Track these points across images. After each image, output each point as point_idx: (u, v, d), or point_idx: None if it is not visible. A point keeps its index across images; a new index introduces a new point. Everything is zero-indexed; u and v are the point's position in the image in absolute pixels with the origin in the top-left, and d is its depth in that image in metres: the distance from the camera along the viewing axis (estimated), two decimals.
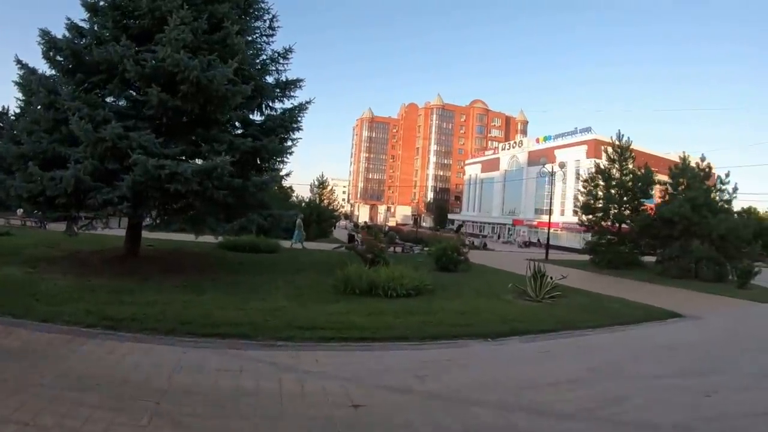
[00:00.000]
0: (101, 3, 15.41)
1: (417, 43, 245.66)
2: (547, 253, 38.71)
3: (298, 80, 17.20)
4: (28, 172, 12.64)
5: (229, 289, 12.76)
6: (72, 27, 15.40)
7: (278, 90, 16.87)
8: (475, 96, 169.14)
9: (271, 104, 17.20)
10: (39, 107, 14.41)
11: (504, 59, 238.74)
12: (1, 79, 40.15)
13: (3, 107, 54.15)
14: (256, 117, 17.18)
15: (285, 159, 16.91)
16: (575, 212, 43.41)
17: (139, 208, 13.24)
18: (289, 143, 16.57)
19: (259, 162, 16.11)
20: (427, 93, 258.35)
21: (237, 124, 16.67)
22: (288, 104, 17.30)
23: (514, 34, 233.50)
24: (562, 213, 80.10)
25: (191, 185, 12.44)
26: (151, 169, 11.94)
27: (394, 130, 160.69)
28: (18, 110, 25.05)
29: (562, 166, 75.41)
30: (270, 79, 16.97)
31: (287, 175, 16.91)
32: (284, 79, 17.24)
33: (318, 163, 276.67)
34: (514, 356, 8.85)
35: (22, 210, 34.74)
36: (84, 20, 15.67)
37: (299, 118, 16.83)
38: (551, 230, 61.88)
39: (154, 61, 13.25)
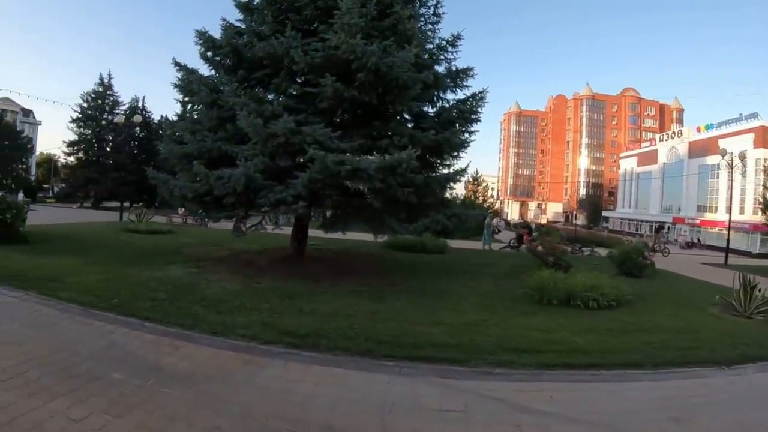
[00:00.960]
0: (255, 1, 15.35)
1: (560, 33, 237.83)
2: (726, 257, 34.35)
3: (469, 69, 15.77)
4: (193, 171, 12.25)
5: (411, 297, 11.66)
6: (227, 27, 15.13)
7: (449, 80, 15.62)
8: (624, 84, 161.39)
9: (442, 95, 15.95)
10: (201, 106, 14.16)
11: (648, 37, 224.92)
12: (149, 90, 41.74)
13: (162, 116, 57.29)
14: (428, 109, 16.00)
15: (461, 154, 15.67)
16: (762, 209, 38.77)
17: (314, 207, 12.41)
18: (466, 135, 15.25)
19: (434, 157, 14.97)
20: (575, 83, 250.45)
21: (407, 116, 15.56)
22: (461, 95, 16.05)
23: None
24: (742, 211, 70.69)
25: (374, 182, 11.36)
26: (331, 165, 10.95)
27: (543, 124, 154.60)
28: (178, 112, 25.94)
29: (742, 157, 66.85)
30: (440, 68, 15.76)
31: (464, 170, 15.50)
32: (454, 68, 15.97)
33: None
34: (760, 390, 7.13)
35: (183, 208, 36.21)
36: (239, 20, 15.61)
37: (478, 109, 15.51)
38: (716, 230, 57.01)
39: (323, 51, 12.37)
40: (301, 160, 11.99)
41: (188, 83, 14.48)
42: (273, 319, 8.42)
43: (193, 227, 30.93)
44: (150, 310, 8.65)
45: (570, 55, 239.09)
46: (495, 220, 41.22)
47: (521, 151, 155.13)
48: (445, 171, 15.30)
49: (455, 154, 15.33)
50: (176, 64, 14.81)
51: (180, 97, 15.56)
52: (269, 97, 14.07)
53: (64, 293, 9.70)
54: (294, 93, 13.75)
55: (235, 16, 15.78)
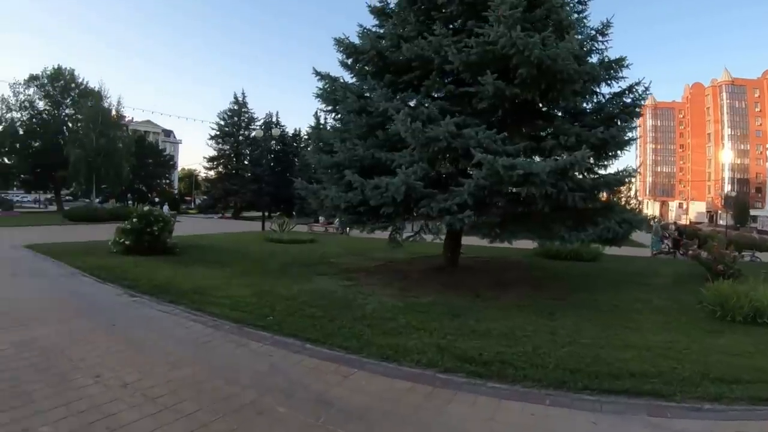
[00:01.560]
0: (392, 5, 14.80)
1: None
2: None
3: (622, 59, 14.13)
4: (345, 181, 11.71)
5: (581, 312, 10.37)
6: (365, 33, 14.50)
7: (603, 71, 14.26)
8: (764, 66, 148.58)
9: (596, 89, 14.58)
10: (348, 114, 13.63)
11: None
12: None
13: (296, 129, 58.67)
14: (585, 104, 14.59)
15: (621, 152, 14.25)
16: None
17: (480, 216, 11.43)
18: (630, 133, 13.82)
19: (597, 158, 13.65)
20: (711, 70, 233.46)
21: (558, 113, 14.30)
22: (616, 88, 14.60)
23: None
24: None
25: (545, 187, 10.24)
26: (501, 170, 9.92)
27: (680, 116, 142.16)
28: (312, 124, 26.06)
29: None
30: (593, 60, 14.42)
31: (636, 170, 13.85)
32: (607, 59, 14.52)
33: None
34: None
35: (323, 218, 36.55)
36: (375, 26, 15.11)
37: (641, 102, 14.03)
38: None
39: (477, 47, 11.36)
40: (460, 165, 11.14)
41: (332, 92, 14.06)
42: (447, 342, 7.53)
43: (333, 236, 30.84)
44: (309, 330, 8.05)
45: (701, 37, 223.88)
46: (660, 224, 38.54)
47: (659, 146, 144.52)
48: (602, 172, 13.93)
49: (615, 153, 13.99)
50: (317, 73, 14.45)
51: (323, 106, 15.10)
52: (420, 100, 13.22)
53: (215, 308, 9.48)
54: (447, 94, 12.80)
55: (369, 22, 15.38)
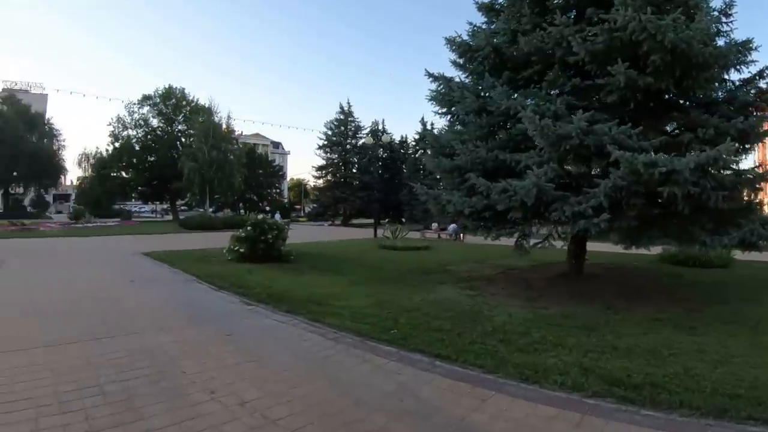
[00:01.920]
0: (499, 0, 14.10)
1: None
2: None
3: (749, 41, 12.70)
4: (467, 185, 11.08)
5: (724, 326, 8.99)
6: (476, 31, 13.89)
7: (731, 55, 12.84)
8: None
9: (726, 75, 13.07)
10: (467, 114, 12.96)
11: None
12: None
13: (403, 136, 58.57)
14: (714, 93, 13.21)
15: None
16: None
17: (615, 219, 10.39)
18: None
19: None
20: None
21: (691, 103, 13.00)
22: (746, 73, 13.13)
23: None
24: None
25: (687, 186, 9.14)
26: (641, 168, 8.93)
27: None
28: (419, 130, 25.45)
29: None
30: (720, 42, 13.03)
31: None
32: (734, 42, 13.05)
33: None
34: None
35: (436, 224, 36.06)
36: (484, 23, 14.42)
37: None
38: None
39: (603, 34, 10.44)
40: (592, 165, 10.25)
41: (447, 93, 13.48)
42: (590, 361, 6.68)
43: (447, 242, 30.16)
44: (438, 345, 7.39)
45: None
46: None
47: None
48: (738, 167, 12.54)
49: (752, 146, 12.65)
50: (430, 75, 13.86)
51: (437, 109, 14.48)
52: (543, 96, 12.36)
53: (335, 319, 9.04)
54: (571, 89, 11.83)
55: (477, 20, 14.57)
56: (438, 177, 17.49)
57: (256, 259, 16.88)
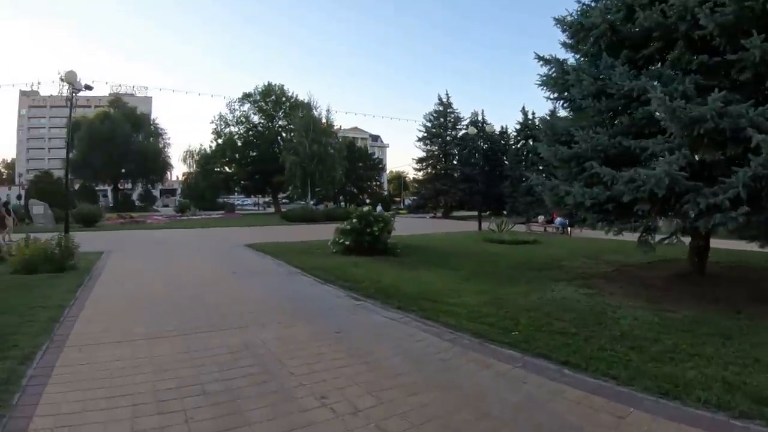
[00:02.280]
0: None
1: None
2: None
3: None
4: (588, 174, 10.29)
5: None
6: (586, 9, 13.01)
7: None
8: None
9: None
10: (584, 98, 12.05)
11: None
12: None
13: (503, 126, 57.24)
14: None
15: None
16: None
17: (753, 213, 9.20)
18: None
19: None
20: None
21: None
22: None
23: None
24: None
25: None
26: None
27: None
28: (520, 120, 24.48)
29: None
30: None
31: None
32: None
33: None
34: None
35: (542, 216, 34.91)
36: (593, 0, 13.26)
37: None
38: None
39: (732, 4, 9.27)
40: (727, 151, 9.17)
41: (560, 75, 12.64)
42: (733, 375, 5.78)
43: (554, 236, 28.93)
44: (563, 350, 6.70)
45: None
46: None
47: None
48: None
49: None
50: (540, 58, 13.10)
51: (549, 94, 13.59)
52: (668, 75, 11.28)
53: (450, 318, 8.50)
54: (698, 67, 10.64)
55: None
56: (541, 168, 16.57)
57: (362, 252, 16.65)
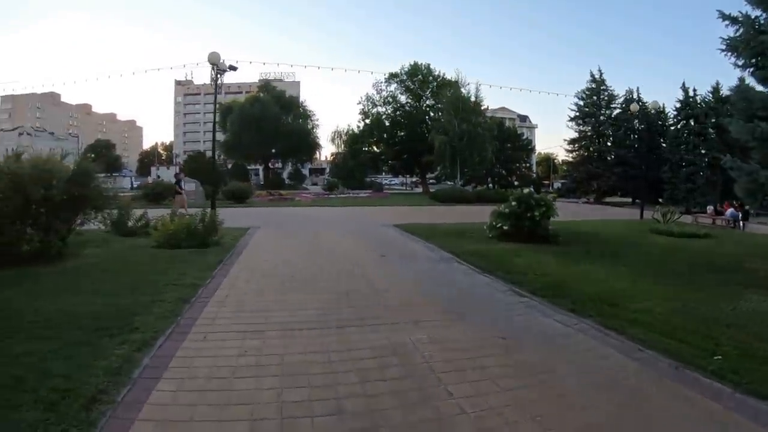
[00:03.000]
0: None
1: None
2: None
3: None
4: None
5: None
6: None
7: None
8: None
9: None
10: None
11: None
12: None
13: (661, 105, 53.33)
14: None
15: None
16: None
17: None
18: None
19: None
20: None
21: None
22: None
23: None
24: None
25: None
26: None
27: None
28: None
29: None
30: None
31: None
32: None
33: None
34: None
35: (711, 207, 32.14)
36: None
37: None
38: None
39: None
40: None
41: (753, 37, 11.00)
42: None
43: (725, 230, 26.05)
44: None
45: None
46: None
47: None
48: None
49: None
50: (724, 17, 11.61)
51: (737, 61, 11.84)
52: None
53: (635, 329, 7.01)
54: None
55: None
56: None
57: (520, 238, 15.39)
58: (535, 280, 10.05)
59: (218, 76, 21.97)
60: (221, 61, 21.78)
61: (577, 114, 64.41)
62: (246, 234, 17.36)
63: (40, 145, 78.11)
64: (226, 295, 8.71)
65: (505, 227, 15.78)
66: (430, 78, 66.17)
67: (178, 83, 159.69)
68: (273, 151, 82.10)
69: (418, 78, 66.05)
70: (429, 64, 66.90)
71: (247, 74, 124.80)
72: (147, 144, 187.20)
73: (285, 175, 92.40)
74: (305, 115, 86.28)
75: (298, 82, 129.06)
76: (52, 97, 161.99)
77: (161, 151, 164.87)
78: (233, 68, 23.33)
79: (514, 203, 15.91)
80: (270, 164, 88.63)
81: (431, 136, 54.25)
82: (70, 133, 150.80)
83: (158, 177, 77.98)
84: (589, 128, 63.47)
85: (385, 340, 6.39)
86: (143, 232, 16.40)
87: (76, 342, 5.97)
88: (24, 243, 11.62)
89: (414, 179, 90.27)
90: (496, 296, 9.10)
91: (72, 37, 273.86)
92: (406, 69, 66.59)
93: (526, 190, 16.67)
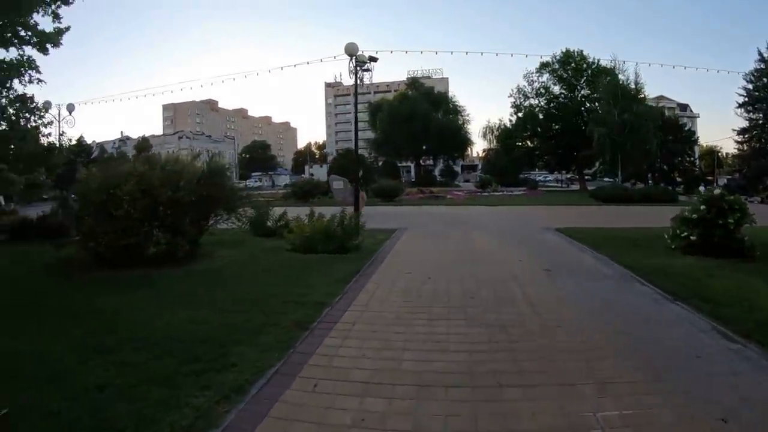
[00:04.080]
0: None
1: None
2: None
3: None
4: None
5: None
6: None
7: None
8: None
9: None
10: None
11: None
12: None
13: None
14: None
15: None
16: None
17: None
18: None
19: None
20: None
21: None
22: None
23: None
24: None
25: None
26: None
27: None
28: None
29: None
30: None
31: None
32: None
33: None
34: None
35: None
36: None
37: None
38: None
39: None
40: None
41: None
42: None
43: None
44: None
45: None
46: None
47: None
48: None
49: None
50: None
51: None
52: None
53: None
54: None
55: None
56: None
57: (710, 251, 12.11)
58: (746, 316, 7.11)
59: (357, 68, 21.32)
60: (359, 52, 21.18)
61: (746, 99, 57.77)
62: (390, 237, 16.18)
63: (198, 146, 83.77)
64: (354, 322, 7.21)
65: (692, 237, 12.61)
66: (584, 65, 62.19)
67: (328, 85, 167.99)
68: (423, 147, 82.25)
69: (571, 66, 62.28)
70: (582, 51, 63.01)
71: (394, 73, 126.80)
72: (301, 144, 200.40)
73: (436, 171, 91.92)
74: (455, 111, 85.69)
75: (447, 78, 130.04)
76: (210, 104, 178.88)
77: (315, 150, 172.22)
78: (374, 59, 22.76)
79: (702, 207, 12.56)
80: (421, 161, 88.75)
81: (588, 128, 50.83)
82: (226, 135, 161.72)
83: (312, 175, 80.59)
84: (761, 115, 56.69)
85: (558, 413, 4.38)
86: (282, 232, 15.63)
87: (157, 376, 5.09)
88: (151, 245, 11.58)
89: (569, 176, 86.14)
90: (697, 339, 6.41)
91: (221, 43, 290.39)
92: (557, 57, 63.06)
93: (716, 191, 13.34)
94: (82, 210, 12.32)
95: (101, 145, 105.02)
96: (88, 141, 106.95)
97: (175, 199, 11.38)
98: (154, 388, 4.79)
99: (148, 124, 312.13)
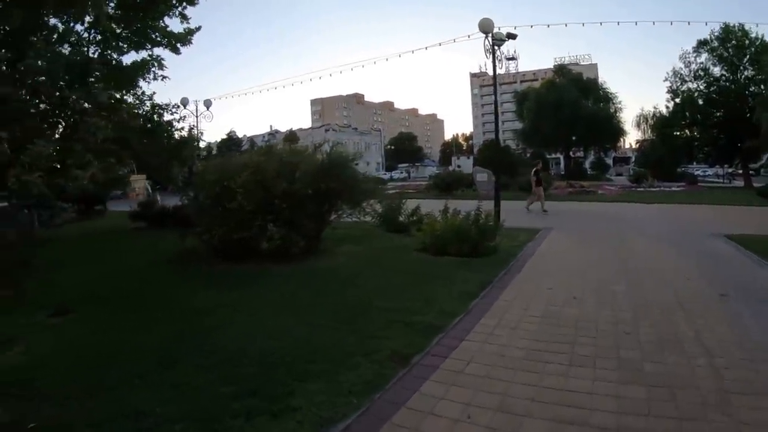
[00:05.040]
0: None
1: None
2: None
3: None
4: None
5: None
6: None
7: None
8: None
9: None
10: None
11: None
12: None
13: None
14: None
15: None
16: None
17: None
18: None
19: None
20: None
21: None
22: None
23: None
24: None
25: None
26: None
27: None
28: None
29: None
30: None
31: None
32: None
33: None
34: None
35: None
36: None
37: None
38: None
39: None
40: None
41: None
42: None
43: None
44: None
45: None
46: None
47: None
48: None
49: None
50: None
51: None
52: None
53: None
54: None
55: None
56: None
57: None
58: None
59: (494, 46, 19.54)
60: (496, 29, 19.47)
61: None
62: (533, 239, 14.11)
63: (345, 139, 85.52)
64: (469, 360, 5.47)
65: None
66: (747, 42, 53.70)
67: (473, 75, 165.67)
68: (573, 138, 78.20)
69: (732, 44, 54.08)
70: (743, 25, 54.25)
71: (540, 60, 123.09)
72: (448, 135, 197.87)
73: (587, 164, 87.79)
74: (606, 98, 79.80)
75: (595, 63, 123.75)
76: (356, 97, 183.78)
77: (461, 142, 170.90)
78: (512, 36, 21.04)
79: None
80: (571, 153, 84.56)
81: (756, 115, 43.63)
82: (373, 128, 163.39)
83: (458, 167, 78.69)
84: None
85: None
86: (415, 228, 14.44)
87: (202, 411, 4.20)
88: (264, 240, 11.12)
89: (730, 170, 75.85)
90: None
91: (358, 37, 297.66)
92: (716, 34, 54.68)
93: None
94: (201, 202, 12.24)
95: (251, 139, 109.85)
96: (239, 135, 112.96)
97: (291, 191, 10.78)
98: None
99: (297, 119, 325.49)
